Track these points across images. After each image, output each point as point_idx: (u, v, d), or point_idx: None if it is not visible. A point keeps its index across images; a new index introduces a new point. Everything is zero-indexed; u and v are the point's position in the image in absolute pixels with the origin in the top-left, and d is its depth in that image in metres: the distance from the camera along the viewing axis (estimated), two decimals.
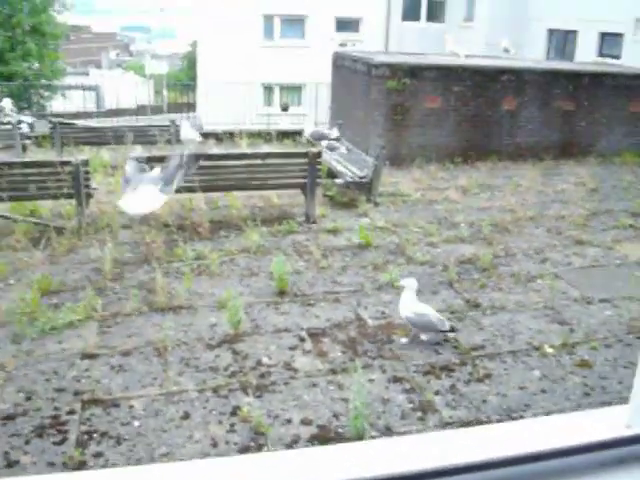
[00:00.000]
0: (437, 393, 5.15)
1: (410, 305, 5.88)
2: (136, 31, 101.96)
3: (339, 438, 4.57)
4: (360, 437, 4.50)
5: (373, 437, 4.54)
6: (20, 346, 5.82)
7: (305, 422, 4.75)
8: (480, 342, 6.00)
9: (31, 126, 17.02)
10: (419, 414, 4.88)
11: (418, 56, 15.89)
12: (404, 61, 14.36)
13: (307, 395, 5.09)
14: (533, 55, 22.26)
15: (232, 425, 4.71)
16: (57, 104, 27.52)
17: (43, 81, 31.40)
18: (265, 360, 5.60)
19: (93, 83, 34.81)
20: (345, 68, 15.81)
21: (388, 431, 4.65)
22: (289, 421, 4.76)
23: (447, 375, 5.42)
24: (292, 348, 5.81)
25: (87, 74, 53.69)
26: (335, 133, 12.62)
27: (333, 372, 5.42)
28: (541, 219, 9.92)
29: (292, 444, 4.51)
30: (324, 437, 4.60)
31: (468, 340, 6.02)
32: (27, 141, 14.44)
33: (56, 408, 4.87)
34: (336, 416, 4.83)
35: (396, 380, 5.32)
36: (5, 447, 4.44)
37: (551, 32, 24.12)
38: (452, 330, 5.91)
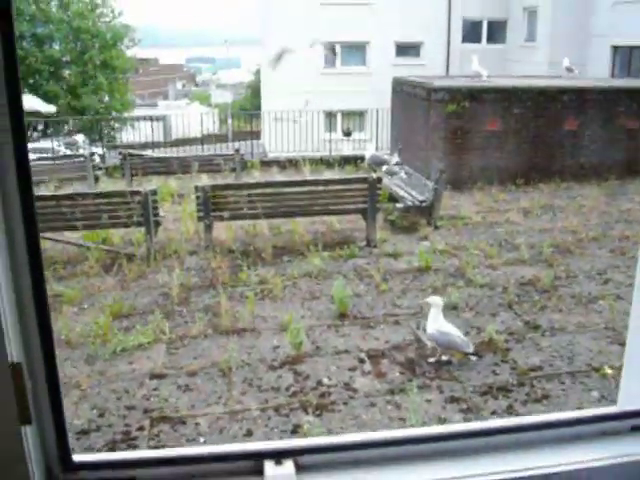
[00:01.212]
0: (494, 413, 5.20)
1: (435, 323, 6.00)
2: (202, 62, 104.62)
3: None
4: None
5: None
6: (93, 366, 6.14)
7: None
8: (538, 363, 6.02)
9: (102, 157, 17.81)
10: None
11: (478, 79, 15.93)
12: (463, 84, 14.46)
13: (365, 414, 5.22)
14: (597, 73, 21.99)
15: None
16: (127, 135, 28.48)
17: (113, 113, 32.61)
18: (325, 380, 5.76)
19: (161, 114, 35.89)
20: (405, 93, 16.01)
21: None
22: None
23: (504, 396, 5.47)
24: (352, 369, 5.96)
25: (155, 105, 55.36)
26: (395, 158, 12.80)
27: (391, 392, 5.54)
28: (604, 240, 9.83)
29: None
30: None
31: (526, 361, 6.04)
32: (99, 172, 15.15)
33: (127, 425, 5.14)
34: None
35: (453, 400, 5.40)
36: None
37: (615, 49, 23.76)
38: (476, 354, 6.01)
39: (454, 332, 6.00)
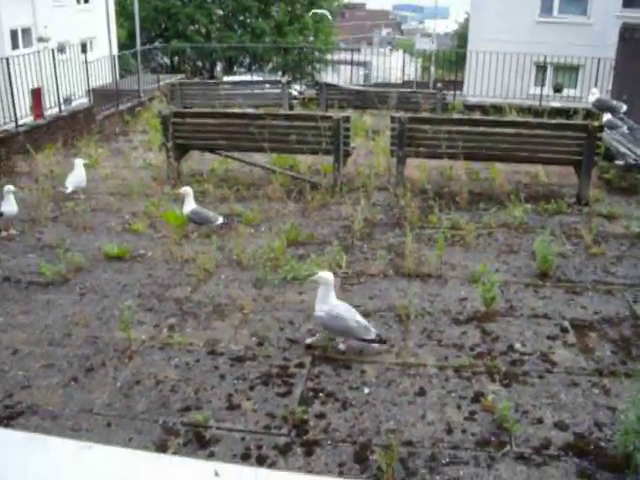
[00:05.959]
0: None
1: (323, 304, 4.70)
2: (408, 10, 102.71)
3: (599, 453, 3.74)
4: (627, 457, 3.63)
5: None
6: (260, 291, 5.68)
7: (560, 426, 3.97)
8: None
9: (300, 92, 17.60)
10: None
11: None
12: None
13: (565, 394, 4.29)
14: None
15: (472, 413, 4.07)
16: (327, 77, 28.41)
17: (316, 54, 32.73)
18: (518, 346, 4.87)
19: (363, 59, 35.39)
20: (636, 41, 14.09)
21: None
22: (540, 421, 4.01)
23: None
24: (551, 337, 5.00)
25: (358, 50, 55.01)
26: (625, 106, 11.11)
27: (599, 373, 4.55)
28: None
29: (541, 449, 3.76)
30: (581, 448, 3.78)
31: None
32: (294, 101, 14.83)
33: (286, 359, 4.60)
34: (599, 426, 3.98)
35: None
36: (230, 389, 4.24)
37: None
38: (381, 341, 4.69)
39: (350, 316, 4.69)
